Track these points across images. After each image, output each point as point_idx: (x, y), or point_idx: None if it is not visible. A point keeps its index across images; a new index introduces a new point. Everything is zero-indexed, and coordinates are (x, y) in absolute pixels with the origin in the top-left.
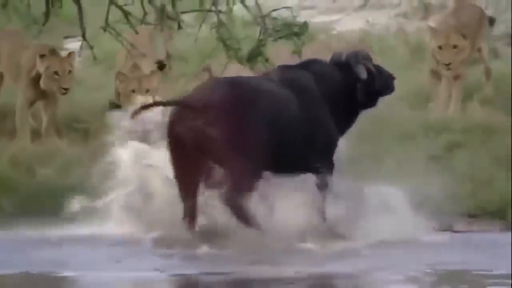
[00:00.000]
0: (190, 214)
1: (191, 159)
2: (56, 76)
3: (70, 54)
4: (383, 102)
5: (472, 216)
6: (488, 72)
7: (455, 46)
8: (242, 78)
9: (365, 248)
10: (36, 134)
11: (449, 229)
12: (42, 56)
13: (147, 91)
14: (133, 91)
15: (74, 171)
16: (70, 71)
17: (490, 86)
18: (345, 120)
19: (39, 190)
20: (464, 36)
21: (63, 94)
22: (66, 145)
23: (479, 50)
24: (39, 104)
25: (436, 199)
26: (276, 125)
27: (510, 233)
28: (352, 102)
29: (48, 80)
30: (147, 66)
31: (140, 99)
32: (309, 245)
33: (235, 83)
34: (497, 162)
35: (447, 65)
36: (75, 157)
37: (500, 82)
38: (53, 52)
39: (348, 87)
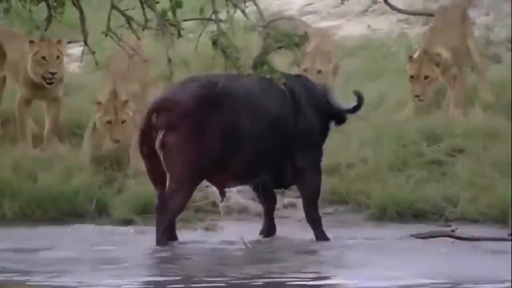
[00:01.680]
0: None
1: (157, 155)
2: (44, 61)
3: (60, 40)
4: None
5: (474, 221)
6: (479, 72)
7: (426, 77)
8: (218, 78)
9: None
10: (38, 139)
11: (450, 235)
12: (31, 42)
13: (123, 122)
14: (110, 122)
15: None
16: (58, 57)
17: (485, 85)
18: (324, 129)
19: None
20: (437, 65)
21: (50, 80)
22: (67, 150)
23: (468, 48)
24: (42, 108)
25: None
26: (249, 129)
27: (511, 238)
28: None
29: (35, 65)
30: (127, 91)
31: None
32: None
33: (207, 84)
34: (499, 167)
35: (416, 96)
36: (76, 163)
37: (502, 87)
38: (43, 38)
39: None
